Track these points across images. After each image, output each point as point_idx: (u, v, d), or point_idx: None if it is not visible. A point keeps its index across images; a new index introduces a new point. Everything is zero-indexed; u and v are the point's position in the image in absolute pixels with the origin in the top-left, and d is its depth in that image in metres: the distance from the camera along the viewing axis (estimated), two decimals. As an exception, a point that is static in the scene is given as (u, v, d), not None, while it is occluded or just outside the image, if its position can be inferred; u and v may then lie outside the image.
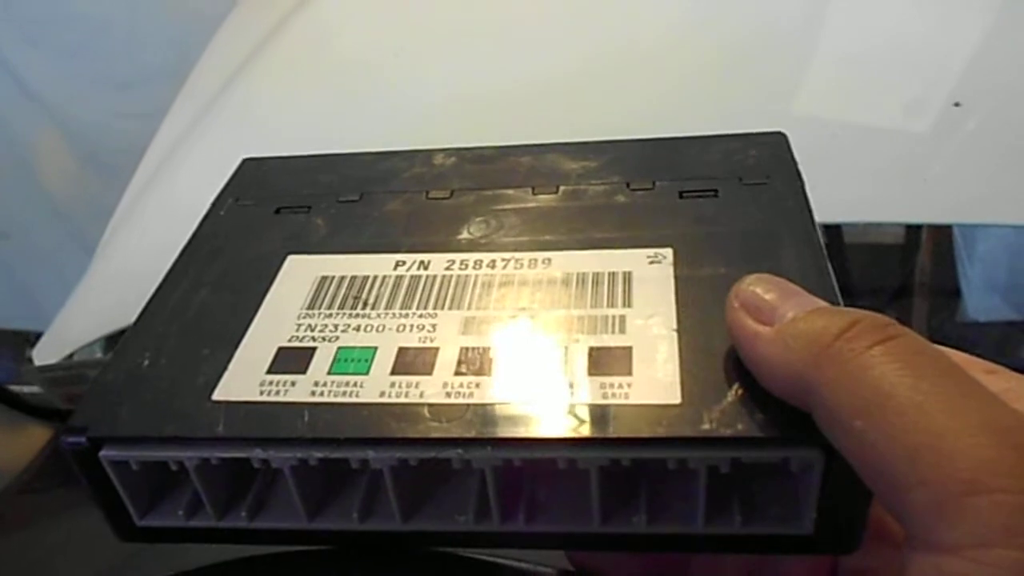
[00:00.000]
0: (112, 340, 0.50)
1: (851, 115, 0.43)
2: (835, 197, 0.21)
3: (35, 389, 0.48)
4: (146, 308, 0.21)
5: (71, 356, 0.50)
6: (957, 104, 0.39)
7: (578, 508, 0.17)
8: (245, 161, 0.27)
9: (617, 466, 0.16)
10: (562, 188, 0.23)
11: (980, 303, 0.82)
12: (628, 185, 0.23)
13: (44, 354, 0.50)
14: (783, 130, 0.24)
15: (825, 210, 0.22)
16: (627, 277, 0.20)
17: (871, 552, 0.18)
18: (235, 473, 0.19)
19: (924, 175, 0.41)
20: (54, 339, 0.52)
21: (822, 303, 0.16)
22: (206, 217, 0.24)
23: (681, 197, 0.22)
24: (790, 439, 0.15)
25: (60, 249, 1.15)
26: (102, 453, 0.18)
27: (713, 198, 0.22)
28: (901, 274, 0.84)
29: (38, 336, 0.55)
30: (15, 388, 0.48)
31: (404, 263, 0.21)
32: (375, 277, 0.21)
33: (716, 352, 0.17)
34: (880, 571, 0.18)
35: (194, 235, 0.24)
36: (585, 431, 0.16)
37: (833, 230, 0.68)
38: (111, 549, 0.38)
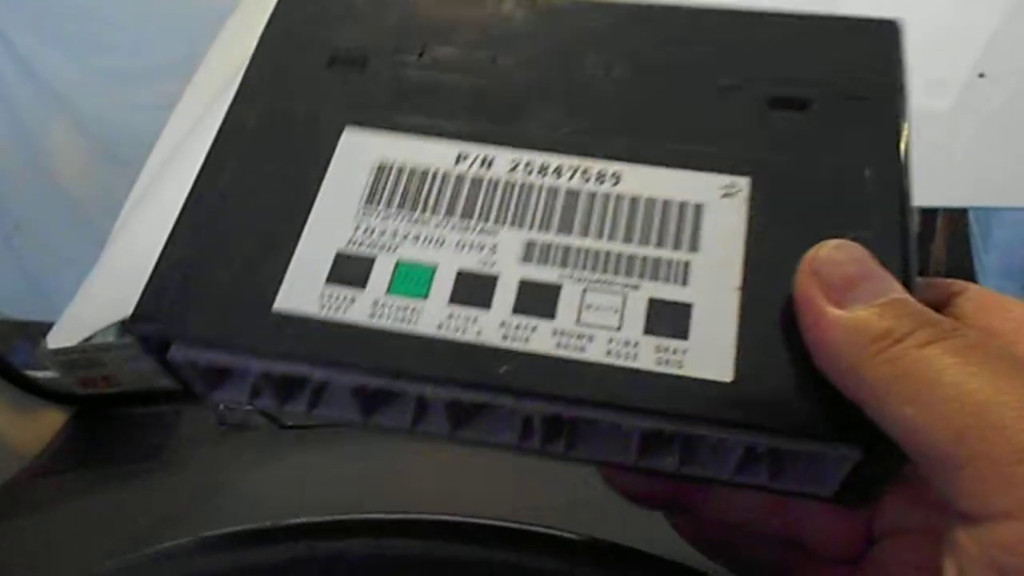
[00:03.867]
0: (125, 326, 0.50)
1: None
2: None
3: (50, 374, 0.48)
4: (196, 184, 0.20)
5: (85, 341, 0.50)
6: (982, 75, 0.38)
7: (616, 445, 0.18)
8: None
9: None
10: (642, 68, 0.21)
11: (996, 290, 0.81)
12: (716, 77, 0.21)
13: (58, 339, 0.50)
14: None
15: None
16: (698, 211, 0.19)
17: (908, 514, 0.19)
18: (293, 381, 0.19)
19: (945, 155, 0.40)
20: (68, 324, 0.52)
21: (896, 290, 0.16)
22: (251, 63, 0.23)
23: (770, 107, 0.20)
24: (833, 437, 0.16)
25: (71, 241, 1.16)
26: (171, 354, 0.18)
27: (804, 113, 0.20)
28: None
29: (51, 327, 0.55)
30: (30, 373, 0.48)
31: (466, 157, 0.20)
32: (435, 173, 0.20)
33: (776, 319, 0.17)
34: (916, 532, 0.19)
35: (241, 85, 0.22)
36: (633, 399, 0.17)
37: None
38: (124, 532, 0.38)
